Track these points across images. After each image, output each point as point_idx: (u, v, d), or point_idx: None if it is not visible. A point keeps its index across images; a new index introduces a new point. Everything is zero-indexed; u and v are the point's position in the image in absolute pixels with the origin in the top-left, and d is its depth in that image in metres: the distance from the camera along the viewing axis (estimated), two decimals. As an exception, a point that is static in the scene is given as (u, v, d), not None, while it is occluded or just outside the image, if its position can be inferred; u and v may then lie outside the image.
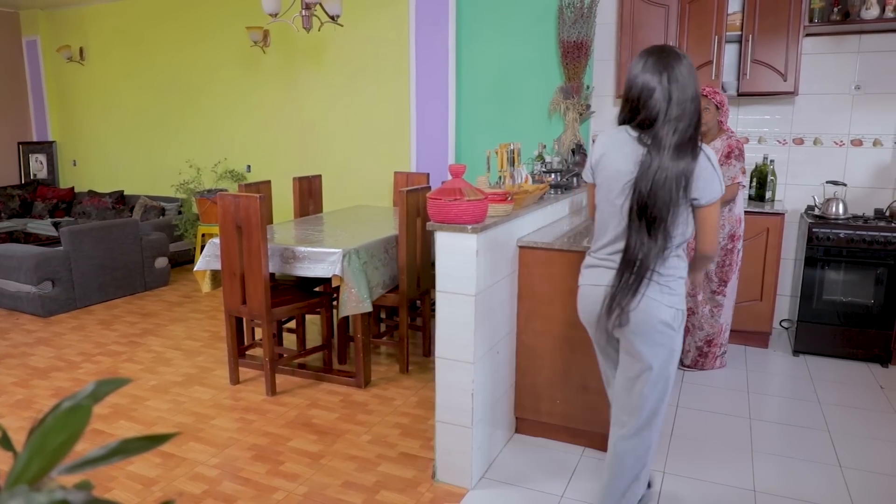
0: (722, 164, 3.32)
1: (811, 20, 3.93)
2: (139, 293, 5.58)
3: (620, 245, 1.99)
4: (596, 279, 2.08)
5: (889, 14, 3.76)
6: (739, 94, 4.12)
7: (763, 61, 3.97)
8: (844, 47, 4.09)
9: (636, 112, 1.96)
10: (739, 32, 4.02)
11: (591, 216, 2.18)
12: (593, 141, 4.67)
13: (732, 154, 3.46)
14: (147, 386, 3.59)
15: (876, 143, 4.13)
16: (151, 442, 0.81)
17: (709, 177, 1.94)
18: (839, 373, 3.74)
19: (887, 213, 4.02)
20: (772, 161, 4.22)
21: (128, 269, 5.46)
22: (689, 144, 1.91)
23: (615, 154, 2.00)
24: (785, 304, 4.41)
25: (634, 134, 1.97)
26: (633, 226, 1.93)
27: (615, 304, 1.97)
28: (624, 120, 2.02)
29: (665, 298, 1.98)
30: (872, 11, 3.76)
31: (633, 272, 1.94)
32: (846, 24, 3.88)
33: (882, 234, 3.73)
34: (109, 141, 7.45)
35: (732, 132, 3.56)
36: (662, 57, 1.92)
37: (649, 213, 1.89)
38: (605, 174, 2.03)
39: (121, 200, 6.99)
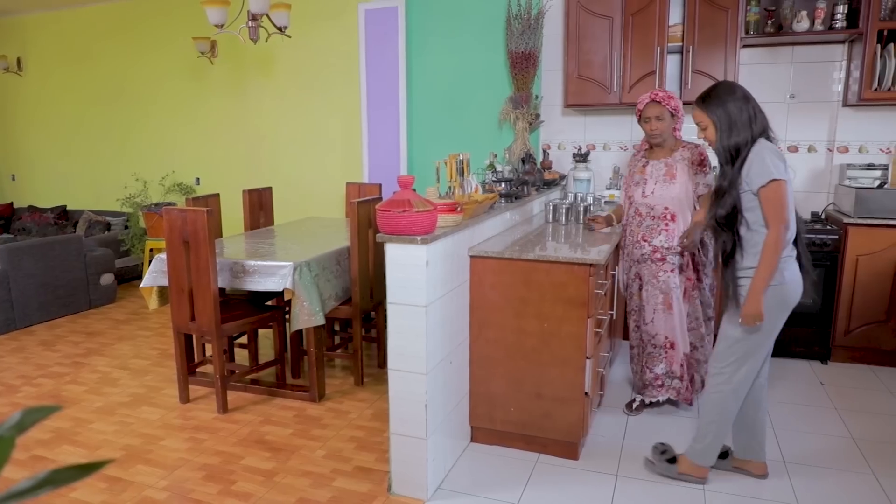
0: (699, 173, 3.14)
1: (747, 32, 4.08)
2: (84, 311, 5.40)
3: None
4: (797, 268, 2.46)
5: (818, 27, 3.94)
6: (683, 104, 4.22)
7: (703, 71, 4.10)
8: (779, 58, 4.26)
9: (764, 131, 2.38)
10: (680, 43, 4.15)
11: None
12: (545, 151, 4.76)
13: (707, 162, 3.16)
14: (92, 408, 3.47)
15: (811, 149, 4.31)
16: (83, 471, 0.79)
17: None
18: (782, 371, 3.87)
19: (823, 216, 4.20)
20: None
21: (71, 287, 5.27)
22: None
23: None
24: (730, 306, 4.54)
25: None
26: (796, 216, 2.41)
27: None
28: (753, 139, 2.36)
29: None
30: (803, 24, 3.94)
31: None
32: (779, 35, 4.05)
33: (818, 236, 3.89)
34: (51, 154, 7.21)
35: (689, 142, 3.24)
36: (744, 93, 2.41)
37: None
38: (790, 178, 2.36)
39: (63, 215, 6.76)
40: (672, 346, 3.17)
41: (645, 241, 3.17)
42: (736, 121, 2.35)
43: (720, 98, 2.39)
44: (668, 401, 3.32)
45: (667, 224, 3.13)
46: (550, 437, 2.84)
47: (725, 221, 2.41)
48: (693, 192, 3.13)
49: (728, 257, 2.47)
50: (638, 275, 3.23)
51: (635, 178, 3.24)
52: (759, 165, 2.29)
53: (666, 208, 3.12)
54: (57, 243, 5.17)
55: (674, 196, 3.10)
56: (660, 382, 3.22)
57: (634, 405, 3.31)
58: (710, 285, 3.24)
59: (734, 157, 2.37)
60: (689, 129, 4.56)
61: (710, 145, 2.50)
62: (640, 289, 3.22)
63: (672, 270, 3.13)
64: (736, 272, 2.45)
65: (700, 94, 2.49)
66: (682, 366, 3.18)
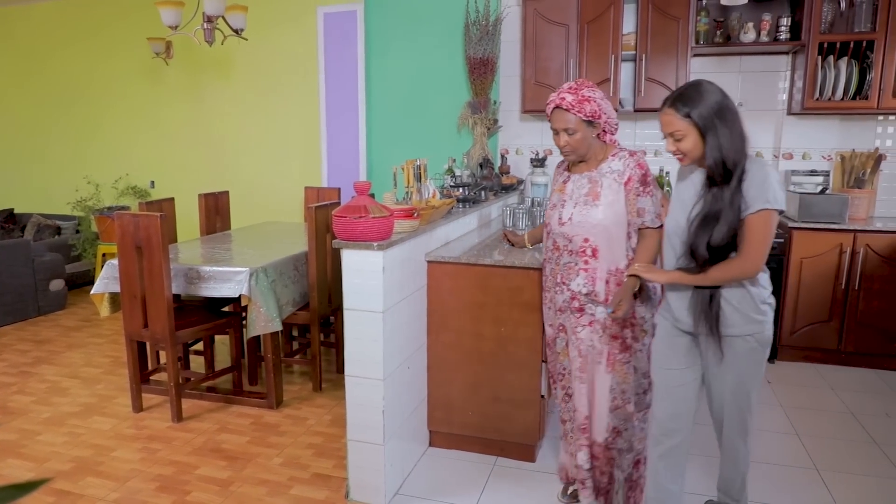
0: (642, 195, 2.26)
1: (697, 42, 4.21)
2: (32, 319, 5.23)
3: None
4: None
5: (764, 38, 4.09)
6: (636, 110, 4.34)
7: (656, 79, 4.21)
8: (727, 67, 4.40)
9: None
10: (634, 52, 4.25)
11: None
12: (503, 156, 4.80)
13: (650, 178, 2.28)
14: (40, 419, 3.37)
15: (758, 155, 4.43)
16: (19, 491, 0.77)
17: None
18: (732, 370, 3.99)
19: (770, 220, 4.34)
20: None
21: (18, 294, 5.10)
22: None
23: None
24: (683, 308, 4.66)
25: None
26: None
27: None
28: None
29: None
30: (749, 35, 4.08)
31: None
32: (728, 45, 4.19)
33: (765, 239, 4.02)
34: (-4, 156, 6.97)
35: (623, 148, 2.34)
36: (731, 101, 1.95)
37: None
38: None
39: (10, 219, 6.54)
40: (584, 429, 2.39)
41: (564, 283, 2.34)
42: (731, 131, 1.88)
43: (703, 99, 1.88)
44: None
45: (586, 262, 2.28)
46: (508, 440, 2.88)
47: (713, 254, 1.94)
48: (627, 222, 2.27)
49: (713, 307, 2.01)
50: (563, 327, 2.41)
51: (554, 198, 2.41)
52: (759, 187, 1.87)
53: (585, 240, 2.27)
54: (3, 248, 5.00)
55: (595, 223, 2.24)
56: (583, 477, 2.41)
57: (570, 490, 2.57)
58: (649, 345, 2.32)
59: (732, 176, 1.89)
60: (644, 136, 4.68)
61: (681, 160, 2.00)
62: (567, 345, 2.41)
63: (591, 324, 2.31)
64: (723, 328, 2.04)
65: (672, 94, 1.96)
66: (594, 456, 2.41)
